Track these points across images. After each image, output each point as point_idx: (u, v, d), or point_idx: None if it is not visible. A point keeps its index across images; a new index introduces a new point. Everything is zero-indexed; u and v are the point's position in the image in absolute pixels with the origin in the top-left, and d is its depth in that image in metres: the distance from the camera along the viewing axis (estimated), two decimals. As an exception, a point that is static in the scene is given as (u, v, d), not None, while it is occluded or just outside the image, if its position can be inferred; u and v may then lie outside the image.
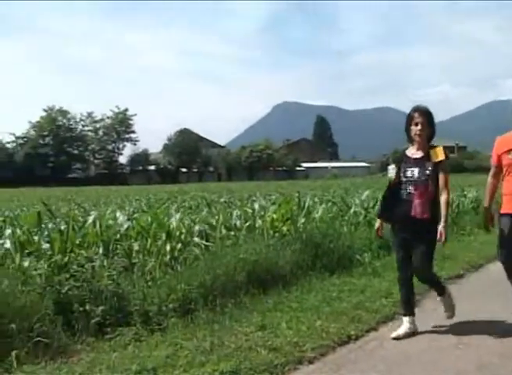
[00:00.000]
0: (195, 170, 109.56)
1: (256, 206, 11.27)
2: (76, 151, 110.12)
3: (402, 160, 6.20)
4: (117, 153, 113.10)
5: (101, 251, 7.98)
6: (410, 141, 6.17)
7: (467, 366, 5.16)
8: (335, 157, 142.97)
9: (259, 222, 9.97)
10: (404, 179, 6.04)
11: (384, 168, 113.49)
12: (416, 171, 5.97)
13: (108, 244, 8.20)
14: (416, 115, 6.01)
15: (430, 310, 7.00)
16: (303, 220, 10.30)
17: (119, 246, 8.30)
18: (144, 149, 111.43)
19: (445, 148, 6.12)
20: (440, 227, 5.82)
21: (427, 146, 6.07)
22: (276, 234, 9.55)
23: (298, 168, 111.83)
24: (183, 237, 8.72)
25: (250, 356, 5.22)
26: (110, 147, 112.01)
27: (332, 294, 7.39)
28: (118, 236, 8.68)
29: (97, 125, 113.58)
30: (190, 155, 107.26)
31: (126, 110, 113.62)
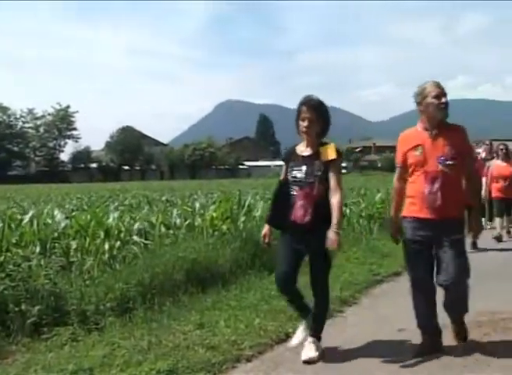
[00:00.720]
0: (138, 168, 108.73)
1: (197, 205, 11.27)
2: (16, 148, 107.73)
3: (290, 158, 5.53)
4: (58, 150, 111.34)
5: (38, 250, 7.87)
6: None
7: (406, 357, 5.27)
8: (277, 156, 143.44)
9: (199, 220, 9.97)
10: (291, 179, 5.37)
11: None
12: (303, 171, 5.30)
13: (46, 243, 8.10)
14: (304, 109, 5.34)
15: (367, 307, 7.13)
16: (243, 219, 10.34)
17: (56, 245, 8.21)
18: (85, 146, 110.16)
19: (337, 145, 5.40)
20: (331, 233, 5.10)
21: (317, 143, 5.39)
22: (216, 233, 9.56)
23: (241, 166, 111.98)
24: (122, 235, 8.68)
25: (188, 355, 5.21)
26: (51, 144, 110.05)
27: (271, 293, 7.38)
28: (56, 234, 8.58)
29: (38, 122, 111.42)
30: (132, 152, 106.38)
31: (68, 107, 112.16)
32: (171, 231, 9.50)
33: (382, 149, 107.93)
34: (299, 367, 5.18)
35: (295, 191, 5.27)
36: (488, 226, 14.21)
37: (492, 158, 13.95)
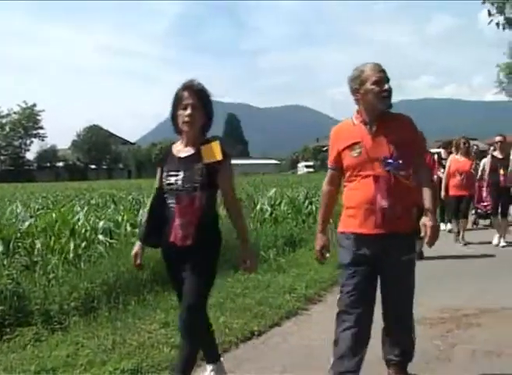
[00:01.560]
0: (105, 167, 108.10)
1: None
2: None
3: (166, 160, 4.37)
4: (24, 149, 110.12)
5: (0, 249, 7.79)
6: (178, 132, 4.36)
7: (368, 357, 5.30)
8: (245, 154, 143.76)
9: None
10: (166, 187, 4.22)
11: (294, 165, 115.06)
12: (180, 176, 4.15)
13: (9, 242, 8.02)
14: (185, 95, 4.18)
15: (332, 305, 7.15)
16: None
17: (20, 244, 8.12)
18: (51, 145, 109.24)
19: (223, 143, 4.24)
20: (245, 254, 4.29)
21: (199, 140, 4.23)
22: (179, 231, 9.51)
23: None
24: (87, 234, 8.61)
25: (153, 354, 5.20)
26: (17, 143, 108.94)
27: (237, 291, 7.42)
28: (19, 234, 8.49)
29: (4, 120, 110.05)
30: (99, 151, 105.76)
31: (34, 105, 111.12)
32: (137, 230, 9.45)
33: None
34: (264, 364, 5.19)
35: (172, 203, 4.17)
36: (444, 227, 14.27)
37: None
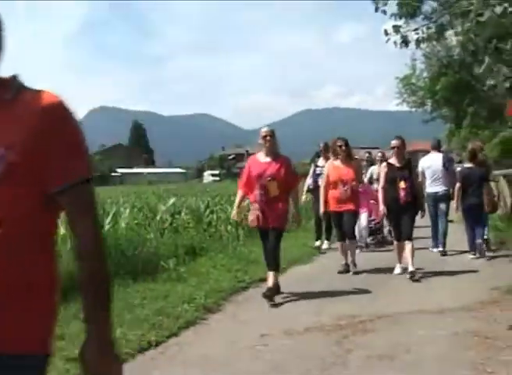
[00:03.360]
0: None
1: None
2: None
3: None
4: None
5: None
6: None
7: (263, 367, 5.36)
8: (151, 163, 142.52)
9: (62, 229, 9.71)
10: None
11: (200, 174, 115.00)
12: None
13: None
14: None
15: (231, 314, 7.21)
16: (107, 227, 10.19)
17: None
18: None
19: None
20: None
21: None
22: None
23: (113, 174, 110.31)
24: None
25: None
26: None
27: (135, 301, 7.34)
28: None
29: None
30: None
31: None
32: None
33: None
34: (161, 373, 5.23)
35: None
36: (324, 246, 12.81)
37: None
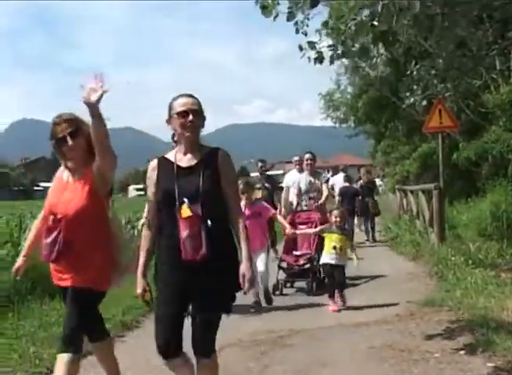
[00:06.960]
0: None
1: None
2: None
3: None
4: None
5: None
6: None
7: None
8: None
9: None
10: None
11: (125, 188, 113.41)
12: None
13: None
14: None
15: (149, 331, 7.11)
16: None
17: None
18: None
19: None
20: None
21: None
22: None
23: (36, 188, 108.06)
24: None
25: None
26: None
27: (51, 319, 7.14)
28: None
29: None
30: None
31: None
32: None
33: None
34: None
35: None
36: None
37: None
